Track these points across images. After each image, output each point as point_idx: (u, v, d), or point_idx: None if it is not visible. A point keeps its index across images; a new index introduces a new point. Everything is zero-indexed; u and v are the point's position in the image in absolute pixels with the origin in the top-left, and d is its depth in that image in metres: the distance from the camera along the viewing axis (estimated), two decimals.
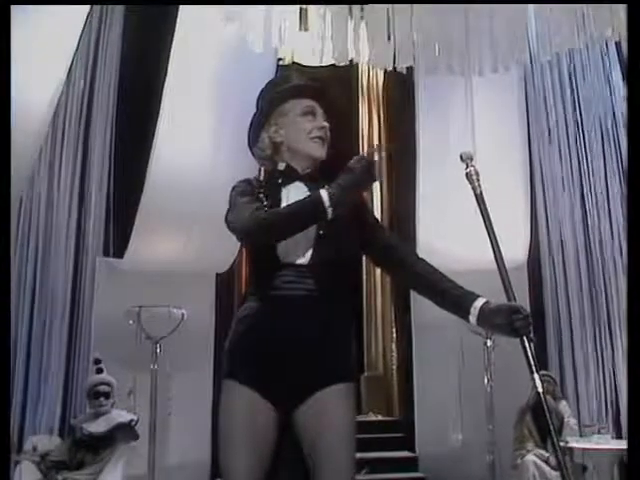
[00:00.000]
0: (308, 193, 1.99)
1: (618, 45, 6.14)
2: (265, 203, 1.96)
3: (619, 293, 6.27)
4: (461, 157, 1.98)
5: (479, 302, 1.86)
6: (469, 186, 1.94)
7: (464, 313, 1.89)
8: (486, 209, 1.88)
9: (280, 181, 2.05)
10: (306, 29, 5.75)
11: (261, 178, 2.15)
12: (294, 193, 2.00)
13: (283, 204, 1.98)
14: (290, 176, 2.06)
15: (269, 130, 2.10)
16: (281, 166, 2.09)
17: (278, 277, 1.92)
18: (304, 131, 2.06)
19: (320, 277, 1.92)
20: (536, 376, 1.77)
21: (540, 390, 1.77)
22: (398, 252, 2.05)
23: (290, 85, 2.15)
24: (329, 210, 1.82)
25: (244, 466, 1.83)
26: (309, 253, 1.93)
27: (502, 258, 1.85)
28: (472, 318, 1.87)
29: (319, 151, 2.07)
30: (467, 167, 1.96)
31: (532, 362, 1.77)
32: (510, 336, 1.80)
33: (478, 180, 1.93)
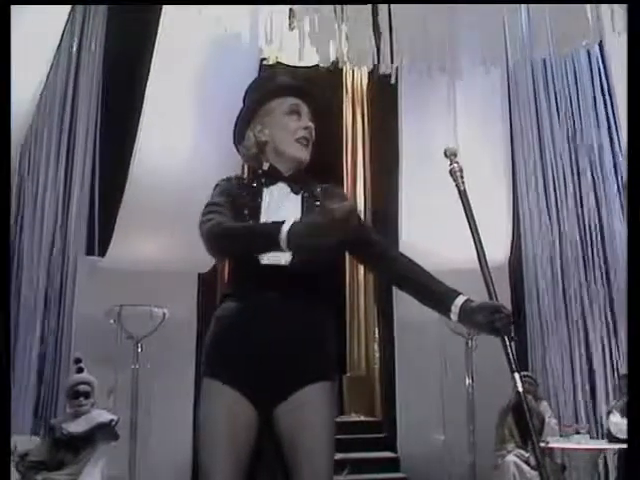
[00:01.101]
0: (291, 194, 1.99)
1: (601, 48, 6.18)
2: (242, 205, 1.95)
3: (599, 294, 6.31)
4: (445, 153, 1.96)
5: (460, 300, 1.86)
6: (452, 184, 1.92)
7: (445, 310, 1.88)
8: (469, 206, 1.87)
9: (263, 181, 2.03)
10: (292, 29, 5.74)
11: (245, 176, 2.14)
12: (277, 193, 2.00)
13: (265, 204, 1.96)
14: (273, 177, 2.04)
15: (254, 129, 2.07)
16: (265, 166, 2.07)
17: (258, 278, 1.91)
18: (289, 131, 2.04)
19: (300, 278, 1.90)
20: (516, 375, 1.76)
21: (520, 389, 1.77)
22: (380, 248, 2.04)
23: (276, 83, 2.14)
24: (283, 246, 1.70)
25: (223, 466, 1.81)
26: (289, 254, 1.89)
27: (484, 255, 1.84)
28: (453, 316, 1.86)
29: (303, 153, 2.05)
30: (451, 163, 1.94)
31: (512, 361, 1.76)
32: (491, 335, 1.80)
33: (462, 177, 1.91)
